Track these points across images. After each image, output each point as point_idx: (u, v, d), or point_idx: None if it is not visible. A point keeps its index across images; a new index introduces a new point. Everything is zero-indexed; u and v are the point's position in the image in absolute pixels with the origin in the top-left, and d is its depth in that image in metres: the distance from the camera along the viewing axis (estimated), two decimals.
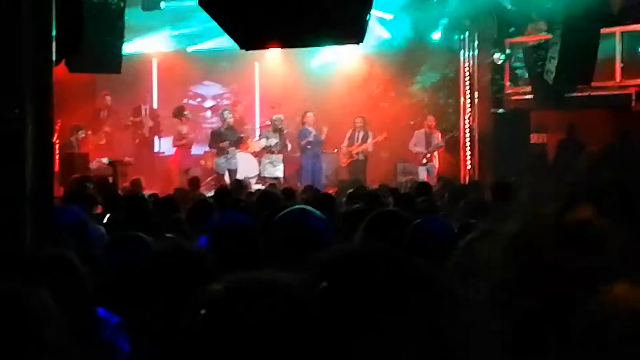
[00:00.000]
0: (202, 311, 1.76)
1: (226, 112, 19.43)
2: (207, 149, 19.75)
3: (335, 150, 20.10)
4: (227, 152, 18.75)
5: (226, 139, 18.77)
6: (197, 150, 20.14)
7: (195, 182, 14.98)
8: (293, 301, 1.75)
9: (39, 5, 3.53)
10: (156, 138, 20.55)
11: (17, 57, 3.51)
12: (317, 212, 3.43)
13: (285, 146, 19.50)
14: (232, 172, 18.53)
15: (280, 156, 19.34)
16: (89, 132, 19.11)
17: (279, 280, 1.80)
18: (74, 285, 2.51)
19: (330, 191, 15.03)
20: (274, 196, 7.95)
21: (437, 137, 19.12)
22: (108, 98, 20.09)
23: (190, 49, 21.10)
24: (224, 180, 17.94)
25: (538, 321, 1.07)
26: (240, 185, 14.03)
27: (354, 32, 5.96)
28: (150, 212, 6.26)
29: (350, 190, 11.95)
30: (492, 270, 1.25)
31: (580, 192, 1.19)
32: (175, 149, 19.58)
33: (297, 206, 3.62)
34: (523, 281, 1.12)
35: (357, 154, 19.44)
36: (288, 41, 6.90)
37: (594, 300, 0.99)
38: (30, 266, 2.61)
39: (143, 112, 20.10)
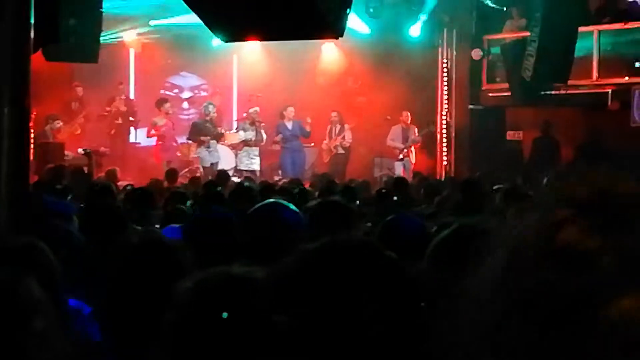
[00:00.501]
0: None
1: (211, 106, 19.36)
2: (184, 140, 19.67)
3: (312, 144, 20.10)
4: (209, 146, 18.72)
5: (208, 132, 18.74)
6: (178, 142, 20.06)
7: (172, 174, 14.90)
8: (259, 296, 1.75)
9: None
10: (132, 129, 20.41)
11: None
12: (291, 206, 3.42)
13: (262, 139, 19.47)
14: (215, 165, 18.49)
15: (257, 149, 19.31)
16: (63, 123, 18.99)
17: (247, 275, 1.80)
18: (45, 274, 2.50)
19: (308, 185, 15.05)
20: (249, 190, 7.92)
21: (414, 132, 19.16)
22: (79, 89, 19.88)
23: (167, 39, 20.83)
24: (201, 172, 17.92)
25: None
26: (225, 176, 14.04)
27: (333, 27, 5.95)
28: (118, 205, 6.20)
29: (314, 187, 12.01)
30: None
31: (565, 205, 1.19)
32: (155, 140, 19.45)
33: (271, 200, 3.61)
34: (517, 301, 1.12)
35: (336, 147, 19.47)
36: (268, 34, 6.90)
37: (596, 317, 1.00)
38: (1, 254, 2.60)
39: (117, 101, 19.94)
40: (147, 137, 19.62)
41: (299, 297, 1.76)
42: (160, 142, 19.30)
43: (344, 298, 1.77)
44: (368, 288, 1.80)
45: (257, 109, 19.56)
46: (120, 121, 19.80)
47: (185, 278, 1.91)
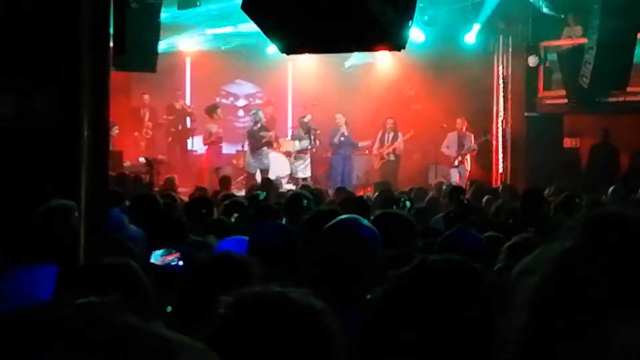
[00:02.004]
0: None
1: (260, 112, 19.45)
2: (239, 147, 19.81)
3: (367, 152, 20.11)
4: (261, 152, 18.81)
5: (261, 138, 18.83)
6: (229, 149, 20.18)
7: (226, 182, 15.00)
8: (304, 321, 1.76)
9: (98, 5, 3.56)
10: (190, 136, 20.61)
11: (77, 57, 3.55)
12: (366, 222, 3.43)
13: (315, 146, 19.49)
14: (264, 172, 18.56)
15: (308, 156, 19.35)
16: (134, 132, 19.33)
17: (294, 299, 1.81)
18: (138, 294, 2.55)
19: (361, 192, 15.05)
20: (300, 200, 7.88)
21: (471, 140, 19.04)
22: (146, 97, 20.23)
23: (224, 48, 21.13)
24: (256, 180, 18.00)
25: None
26: (270, 183, 14.09)
27: (395, 39, 5.95)
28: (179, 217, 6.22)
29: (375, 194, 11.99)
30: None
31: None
32: (206, 147, 19.62)
33: (347, 216, 3.61)
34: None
35: (388, 154, 19.45)
36: (328, 47, 6.90)
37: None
38: (94, 274, 2.65)
39: (178, 109, 20.19)
40: (204, 144, 19.77)
41: (405, 322, 1.78)
42: (210, 149, 19.43)
43: (447, 319, 1.79)
44: (464, 305, 1.82)
45: (310, 116, 19.61)
46: (180, 128, 20.02)
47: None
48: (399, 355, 1.74)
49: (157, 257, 4.20)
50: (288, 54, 7.05)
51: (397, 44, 6.04)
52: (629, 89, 16.01)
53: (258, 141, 18.80)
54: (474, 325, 1.77)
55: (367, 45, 6.56)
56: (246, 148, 19.49)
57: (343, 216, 3.57)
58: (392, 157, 19.52)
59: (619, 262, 1.39)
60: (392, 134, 19.57)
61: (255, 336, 1.71)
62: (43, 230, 3.76)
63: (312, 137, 19.21)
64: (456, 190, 12.15)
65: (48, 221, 3.80)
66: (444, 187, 13.85)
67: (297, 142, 19.50)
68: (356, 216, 3.54)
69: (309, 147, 19.25)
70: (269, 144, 19.01)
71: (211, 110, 19.65)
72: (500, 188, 14.43)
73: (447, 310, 1.80)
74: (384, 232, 3.69)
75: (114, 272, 2.57)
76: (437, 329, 1.76)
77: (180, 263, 4.21)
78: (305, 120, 19.52)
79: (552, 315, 1.36)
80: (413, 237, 4.70)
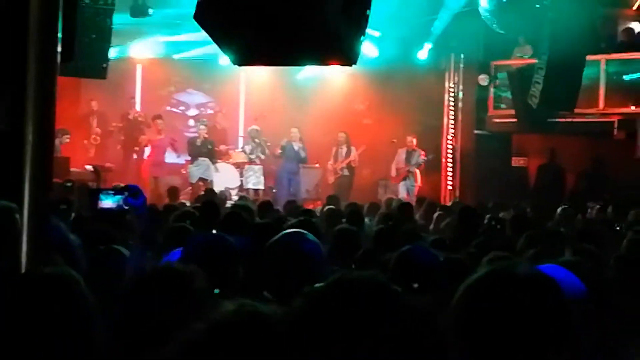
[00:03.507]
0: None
1: (199, 124, 19.50)
2: (188, 157, 19.72)
3: (317, 165, 20.10)
4: (200, 162, 18.78)
5: (200, 150, 18.78)
6: (176, 159, 20.01)
7: (174, 193, 14.91)
8: (273, 334, 1.77)
9: (47, 9, 3.51)
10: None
11: (24, 62, 3.49)
12: (311, 236, 3.41)
13: (266, 157, 19.46)
14: (207, 183, 18.51)
15: (261, 168, 19.32)
16: (83, 139, 19.15)
17: (264, 313, 1.82)
18: (78, 304, 2.50)
19: (310, 206, 15.04)
20: (244, 213, 7.80)
21: (419, 156, 19.11)
22: (94, 103, 20.02)
23: (176, 56, 21.04)
24: (200, 191, 17.94)
25: None
26: (212, 194, 14.06)
27: (348, 54, 5.95)
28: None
29: (330, 207, 11.97)
30: None
31: None
32: (147, 156, 19.47)
33: (291, 230, 3.59)
34: None
35: (342, 169, 19.48)
36: (282, 60, 6.88)
37: None
38: (33, 284, 2.60)
39: (131, 117, 20.04)
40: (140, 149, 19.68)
41: (312, 337, 1.79)
42: (150, 158, 19.30)
43: (354, 336, 1.80)
44: (377, 325, 1.83)
45: (256, 127, 19.59)
46: (130, 137, 19.84)
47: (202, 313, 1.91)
48: None
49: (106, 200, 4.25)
50: (239, 66, 7.03)
51: (348, 58, 6.04)
52: (576, 110, 16.20)
53: (197, 150, 18.77)
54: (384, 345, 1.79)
55: (319, 59, 6.55)
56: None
57: (288, 230, 3.55)
58: (345, 172, 19.55)
59: None
60: (344, 149, 19.60)
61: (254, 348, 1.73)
62: None
63: (262, 147, 19.19)
64: (404, 207, 12.16)
65: None
66: (393, 203, 13.85)
67: (247, 148, 19.46)
68: (301, 230, 3.52)
69: (258, 157, 19.21)
70: (211, 155, 18.93)
71: (154, 119, 19.52)
72: (451, 204, 14.52)
73: (357, 327, 1.81)
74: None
75: (55, 282, 2.53)
76: (346, 344, 1.78)
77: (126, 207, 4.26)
78: (250, 130, 19.54)
79: None
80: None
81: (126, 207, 4.23)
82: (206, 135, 19.08)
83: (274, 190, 18.90)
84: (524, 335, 1.91)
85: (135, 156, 20.09)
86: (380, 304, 1.86)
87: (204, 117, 21.17)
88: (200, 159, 18.79)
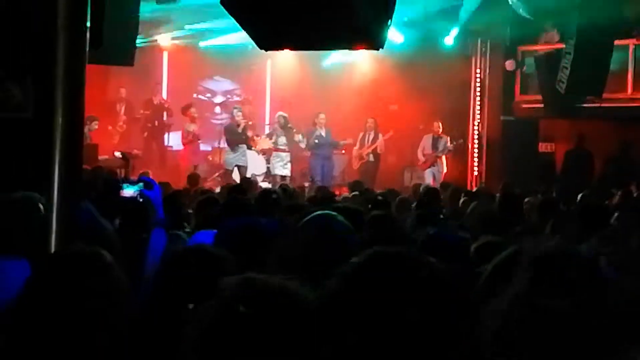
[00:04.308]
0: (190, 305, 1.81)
1: (235, 110, 19.43)
2: (216, 144, 19.78)
3: (343, 152, 20.10)
4: (235, 150, 18.77)
5: (240, 137, 18.80)
6: (204, 146, 20.12)
7: (194, 179, 14.94)
8: (296, 308, 1.78)
9: None
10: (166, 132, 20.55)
11: (53, 49, 3.52)
12: (341, 218, 3.42)
13: (294, 144, 19.48)
14: (242, 169, 18.54)
15: (289, 155, 19.34)
16: (108, 125, 19.24)
17: (288, 287, 1.83)
18: (109, 283, 2.53)
19: (337, 192, 15.04)
20: (275, 198, 7.82)
21: (446, 142, 19.07)
22: (123, 90, 20.15)
23: (202, 44, 21.10)
24: (231, 177, 17.97)
25: None
26: (249, 183, 14.03)
27: (374, 38, 5.96)
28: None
29: (355, 193, 11.98)
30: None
31: None
32: (183, 145, 19.61)
33: (322, 212, 3.60)
34: None
35: (368, 155, 19.46)
36: (307, 44, 6.91)
37: None
38: (61, 262, 2.63)
39: (156, 104, 20.15)
40: (183, 143, 19.73)
41: (350, 312, 1.80)
42: (187, 147, 19.42)
43: (392, 310, 1.80)
44: (415, 298, 1.83)
45: (283, 113, 19.60)
46: (156, 123, 19.95)
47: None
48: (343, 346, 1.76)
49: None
50: (266, 50, 7.05)
51: (375, 43, 6.06)
52: (604, 96, 16.09)
53: (236, 137, 18.75)
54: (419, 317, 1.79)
55: (346, 43, 6.57)
56: (222, 145, 19.46)
57: (318, 212, 3.56)
58: (371, 158, 19.51)
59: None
60: (372, 135, 19.57)
61: (259, 325, 1.73)
62: (11, 221, 3.72)
63: (287, 135, 19.20)
64: (430, 192, 12.15)
65: (14, 214, 3.77)
66: (420, 189, 13.84)
67: (274, 137, 19.47)
68: (332, 212, 3.53)
69: (282, 143, 19.22)
70: (247, 142, 18.95)
71: (185, 109, 19.63)
72: (476, 190, 14.47)
73: (394, 300, 1.82)
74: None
75: (84, 260, 2.55)
76: (385, 318, 1.79)
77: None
78: (278, 116, 19.55)
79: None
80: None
81: (141, 199, 4.32)
82: (244, 121, 19.09)
83: (317, 180, 18.73)
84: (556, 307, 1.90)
85: (159, 144, 20.20)
86: (416, 276, 1.87)
87: (231, 104, 21.23)
88: (238, 145, 18.80)
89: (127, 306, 2.58)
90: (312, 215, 3.46)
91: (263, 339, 1.73)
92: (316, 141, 19.03)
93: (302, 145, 19.42)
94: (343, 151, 20.09)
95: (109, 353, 2.43)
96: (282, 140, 19.26)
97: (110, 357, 2.43)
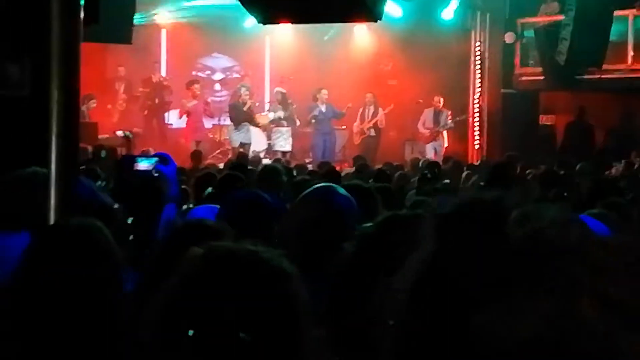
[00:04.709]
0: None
1: (243, 88, 19.42)
2: (216, 121, 19.75)
3: (344, 127, 20.07)
4: (240, 127, 18.77)
5: (245, 115, 18.79)
6: (206, 123, 20.08)
7: (197, 155, 14.95)
8: (273, 283, 1.72)
9: None
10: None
11: (48, 26, 3.51)
12: (342, 190, 3.41)
13: (294, 121, 19.48)
14: (247, 146, 18.56)
15: (289, 130, 19.33)
16: (108, 104, 19.23)
17: (267, 259, 1.77)
18: (104, 254, 2.53)
19: (338, 167, 15.05)
20: (276, 172, 7.80)
21: (447, 116, 19.04)
22: (121, 69, 20.10)
23: (200, 20, 20.89)
24: (231, 153, 17.98)
25: None
26: (245, 159, 14.09)
27: (372, 10, 5.92)
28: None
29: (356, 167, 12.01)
30: None
31: None
32: (185, 122, 19.55)
33: (323, 184, 3.59)
34: None
35: (369, 129, 19.43)
36: (304, 17, 6.87)
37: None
38: (58, 233, 2.63)
39: (155, 82, 20.11)
40: (179, 118, 19.74)
41: (368, 273, 1.77)
42: (189, 123, 19.38)
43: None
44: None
45: (281, 89, 19.59)
46: (157, 101, 19.91)
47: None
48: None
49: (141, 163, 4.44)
50: (264, 24, 7.02)
51: (373, 14, 6.02)
52: (605, 67, 16.07)
53: (241, 115, 18.75)
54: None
55: (343, 15, 6.54)
56: (223, 122, 19.46)
57: (319, 184, 3.55)
58: (372, 133, 19.49)
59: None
60: (372, 109, 19.54)
61: (221, 292, 1.66)
62: (17, 197, 3.73)
63: (287, 110, 19.18)
64: (432, 165, 12.17)
65: (21, 188, 3.77)
66: (420, 163, 13.85)
67: (270, 114, 19.46)
68: (332, 184, 3.52)
69: (282, 117, 19.20)
70: (250, 119, 18.95)
71: (190, 84, 19.59)
72: (479, 163, 14.49)
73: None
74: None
75: (81, 232, 2.56)
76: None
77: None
78: (276, 91, 19.53)
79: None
80: (376, 209, 4.63)
81: (156, 174, 4.34)
82: (251, 100, 19.06)
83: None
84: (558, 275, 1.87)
85: (159, 122, 20.16)
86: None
87: (230, 81, 21.20)
88: (242, 123, 18.79)
89: (121, 279, 2.57)
90: (312, 188, 3.45)
91: (225, 310, 1.66)
92: (314, 119, 19.01)
93: (297, 123, 19.44)
94: (343, 127, 20.07)
95: (100, 325, 2.43)
96: (282, 114, 19.23)
97: (103, 330, 2.43)
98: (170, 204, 4.50)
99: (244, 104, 18.81)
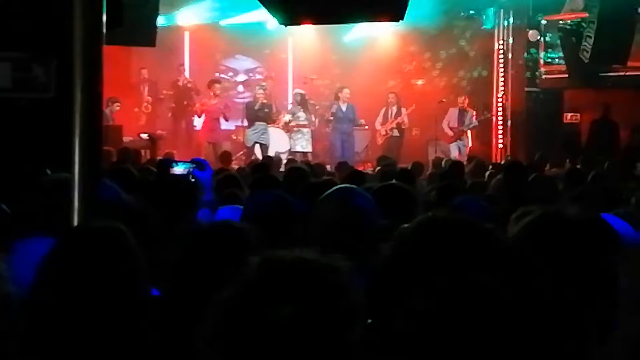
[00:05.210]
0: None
1: (258, 87, 19.43)
2: (239, 123, 19.78)
3: (366, 127, 20.05)
4: (257, 126, 18.77)
5: (257, 114, 18.78)
6: (228, 125, 20.08)
7: (226, 157, 14.97)
8: (330, 284, 1.73)
9: None
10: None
11: (71, 29, 3.53)
12: (363, 192, 3.41)
13: (312, 121, 19.43)
14: (263, 147, 18.55)
15: (310, 131, 19.28)
16: (135, 107, 19.30)
17: (322, 262, 1.77)
18: (127, 258, 2.54)
19: (361, 168, 15.03)
20: (302, 172, 7.80)
21: (472, 116, 18.95)
22: (144, 71, 20.16)
23: (223, 22, 21.07)
24: (255, 155, 17.98)
25: None
26: (270, 161, 14.07)
27: (395, 10, 5.93)
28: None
29: (379, 168, 11.95)
30: None
31: None
32: (202, 122, 19.54)
33: (342, 185, 3.59)
34: None
35: (392, 129, 19.38)
36: (329, 18, 6.90)
37: None
38: (80, 236, 2.64)
39: (180, 84, 20.17)
40: (198, 118, 19.78)
41: (408, 276, 1.76)
42: (206, 124, 19.35)
43: (453, 273, 1.75)
44: (475, 262, 1.80)
45: (300, 90, 19.59)
46: (185, 103, 19.95)
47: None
48: (409, 311, 1.71)
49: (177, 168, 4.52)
50: (286, 26, 7.03)
51: (396, 14, 6.02)
52: (629, 64, 15.96)
53: (253, 114, 18.78)
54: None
55: (366, 16, 6.54)
56: (245, 123, 19.50)
57: (339, 185, 3.56)
58: (395, 133, 19.43)
59: None
60: (395, 109, 19.49)
61: (280, 300, 1.68)
62: (44, 202, 3.76)
63: (306, 111, 19.15)
64: (455, 165, 12.12)
65: (48, 193, 3.80)
66: (442, 163, 13.79)
67: (288, 115, 19.46)
68: (352, 186, 3.52)
69: (302, 120, 19.17)
70: (267, 119, 18.93)
71: (210, 84, 19.57)
72: (503, 162, 14.41)
73: (453, 265, 1.78)
74: (384, 203, 3.66)
75: (101, 234, 2.57)
76: (448, 285, 1.72)
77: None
78: (295, 93, 19.52)
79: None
80: (414, 210, 4.63)
81: (192, 180, 4.37)
82: (265, 100, 19.06)
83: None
84: (572, 275, 1.87)
85: (195, 122, 20.19)
86: (476, 241, 1.84)
87: (253, 82, 21.22)
88: (257, 123, 18.79)
89: (144, 283, 2.58)
90: (333, 189, 3.45)
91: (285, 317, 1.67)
92: (333, 112, 18.96)
93: (316, 122, 19.40)
94: (366, 127, 20.05)
95: (121, 328, 2.44)
96: (302, 115, 19.21)
97: (124, 333, 2.44)
98: (204, 209, 4.51)
99: (258, 103, 18.83)
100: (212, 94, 19.24)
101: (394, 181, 5.77)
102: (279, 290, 1.70)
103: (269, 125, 19.10)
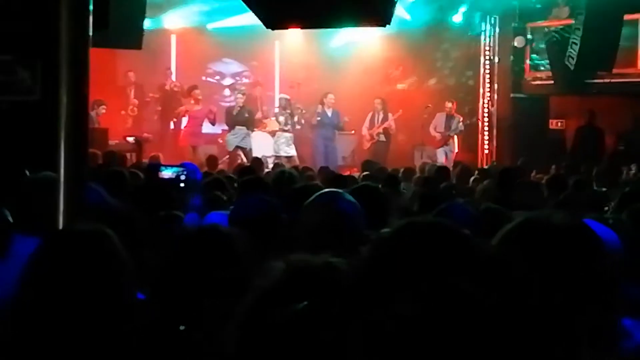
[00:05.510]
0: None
1: (237, 92, 19.50)
2: (225, 127, 19.76)
3: (353, 132, 20.05)
4: (238, 130, 18.78)
5: (236, 119, 18.79)
6: (212, 128, 20.03)
7: (212, 161, 14.95)
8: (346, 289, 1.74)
9: None
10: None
11: (57, 31, 3.53)
12: (348, 196, 3.41)
13: (296, 126, 19.39)
14: (245, 150, 18.56)
15: (292, 135, 19.22)
16: (121, 110, 19.24)
17: (334, 265, 1.77)
18: (112, 261, 2.53)
19: (347, 173, 15.01)
20: (291, 176, 7.81)
21: (459, 121, 18.97)
22: (131, 74, 20.11)
23: (210, 26, 21.06)
24: (241, 159, 17.96)
25: None
26: (259, 163, 14.05)
27: (381, 14, 5.94)
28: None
29: (366, 173, 11.94)
30: None
31: None
32: (184, 126, 19.53)
33: (328, 190, 3.59)
34: None
35: (378, 135, 19.38)
36: (315, 22, 6.90)
37: None
38: (65, 239, 2.64)
39: (167, 87, 20.15)
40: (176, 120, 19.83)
41: (384, 283, 1.76)
42: (187, 128, 19.34)
43: (428, 279, 1.76)
44: (451, 268, 1.80)
45: (285, 95, 19.59)
46: (170, 106, 19.93)
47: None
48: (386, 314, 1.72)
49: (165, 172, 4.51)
50: (273, 29, 7.03)
51: (382, 19, 6.03)
52: (614, 71, 16.03)
53: (232, 119, 18.78)
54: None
55: (353, 20, 6.54)
56: None
57: (324, 190, 3.56)
58: (382, 138, 19.43)
59: None
60: (381, 115, 19.50)
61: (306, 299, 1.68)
62: (30, 201, 3.76)
63: (290, 115, 19.12)
64: (440, 170, 12.13)
65: (34, 193, 3.80)
66: (427, 168, 13.79)
67: (275, 120, 19.45)
68: (337, 190, 3.52)
69: (289, 124, 19.15)
70: (247, 124, 18.92)
71: (190, 90, 19.53)
72: (488, 167, 14.44)
73: (430, 271, 1.79)
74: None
75: (87, 238, 2.56)
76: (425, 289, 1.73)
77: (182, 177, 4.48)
78: (280, 97, 19.51)
79: None
80: (387, 212, 4.64)
81: (182, 185, 4.37)
82: (242, 104, 19.05)
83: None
84: (559, 281, 1.87)
85: (172, 126, 20.17)
86: (452, 247, 1.84)
87: (240, 86, 21.20)
88: (237, 127, 18.79)
89: (129, 285, 2.58)
90: (319, 193, 3.45)
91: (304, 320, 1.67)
92: (318, 119, 18.96)
93: (298, 127, 19.38)
94: (353, 131, 20.05)
95: (105, 331, 2.44)
96: (287, 120, 19.19)
97: (108, 335, 2.44)
98: (192, 213, 4.51)
99: (238, 107, 18.86)
100: (192, 101, 19.21)
101: (367, 182, 5.78)
102: (306, 294, 1.70)
103: (256, 129, 19.10)
